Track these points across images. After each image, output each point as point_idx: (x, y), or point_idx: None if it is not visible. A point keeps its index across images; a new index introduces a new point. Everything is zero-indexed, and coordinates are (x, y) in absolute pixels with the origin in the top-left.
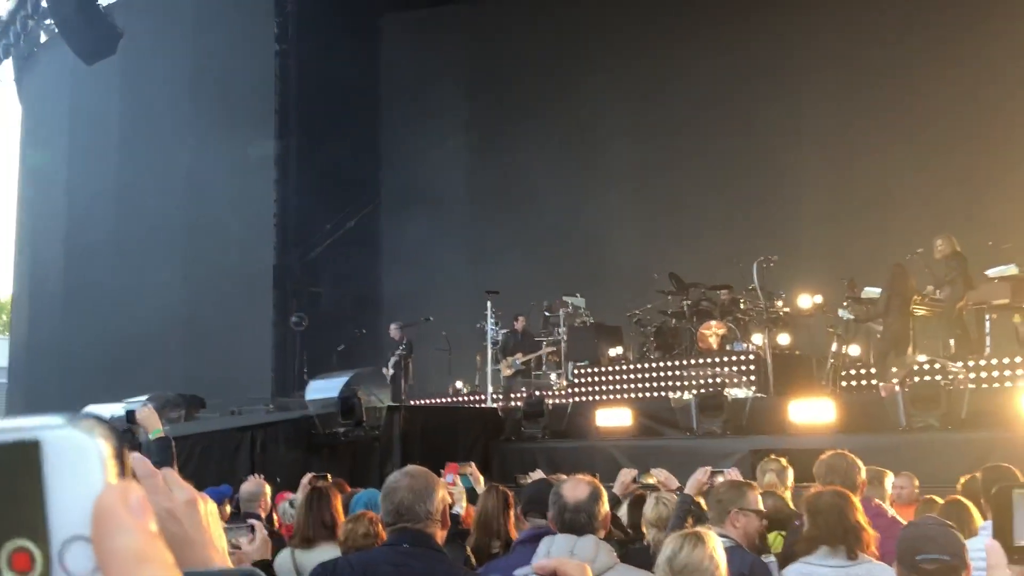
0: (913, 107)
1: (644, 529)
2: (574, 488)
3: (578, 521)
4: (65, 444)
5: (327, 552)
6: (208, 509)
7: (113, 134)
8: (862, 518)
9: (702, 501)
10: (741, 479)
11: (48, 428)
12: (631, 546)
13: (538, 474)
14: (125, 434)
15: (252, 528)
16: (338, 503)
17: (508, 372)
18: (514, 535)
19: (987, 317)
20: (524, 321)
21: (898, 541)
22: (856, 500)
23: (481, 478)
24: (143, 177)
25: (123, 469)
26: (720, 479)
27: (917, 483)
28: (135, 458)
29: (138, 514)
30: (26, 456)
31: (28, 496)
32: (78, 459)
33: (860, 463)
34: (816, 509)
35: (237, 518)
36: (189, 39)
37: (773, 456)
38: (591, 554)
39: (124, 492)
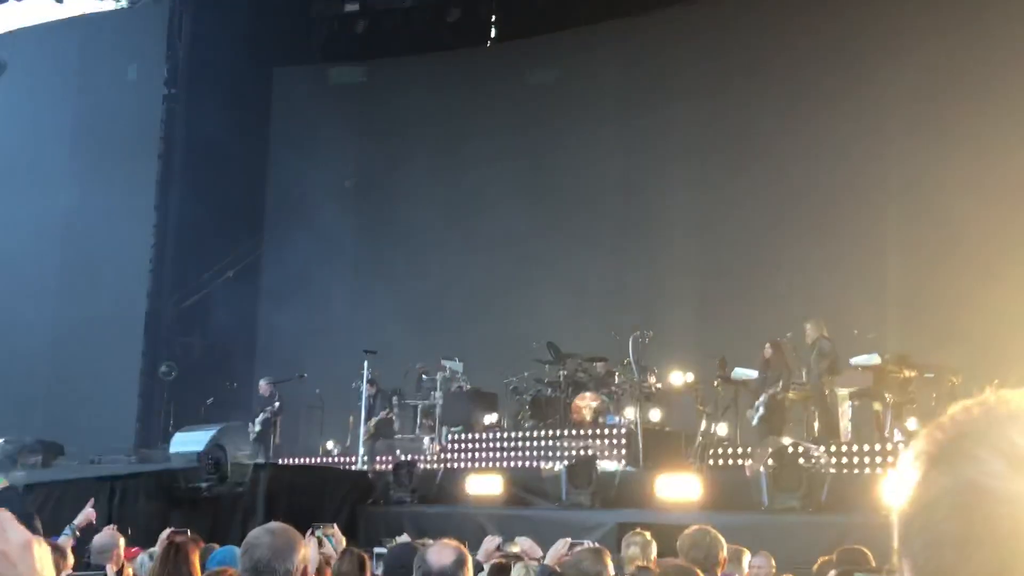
0: (783, 194)
1: None
2: (439, 553)
3: None
4: None
5: None
6: (42, 553)
7: None
8: None
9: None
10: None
11: None
12: None
13: (404, 539)
14: None
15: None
16: (195, 559)
17: (361, 434)
18: None
19: (850, 403)
20: (373, 385)
21: None
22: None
23: (343, 540)
24: (17, 214)
25: None
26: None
27: (774, 563)
28: None
29: None
30: None
31: None
32: None
33: (723, 539)
34: None
35: (87, 569)
36: (75, 77)
37: (638, 530)
38: None
39: None
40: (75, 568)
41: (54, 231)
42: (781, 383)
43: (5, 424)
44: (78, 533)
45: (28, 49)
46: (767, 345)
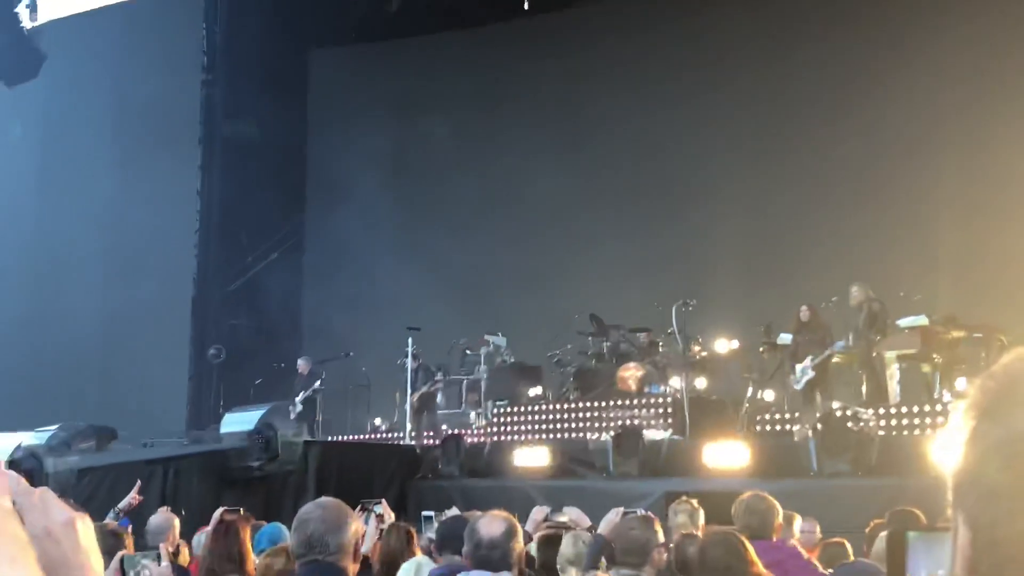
0: (827, 158)
1: (559, 567)
2: (489, 524)
3: (492, 558)
4: None
5: None
6: (86, 531)
7: (33, 158)
8: (751, 564)
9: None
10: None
11: None
12: None
13: (454, 511)
14: (30, 461)
15: (159, 556)
16: (247, 536)
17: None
18: None
19: (898, 366)
20: (420, 358)
21: None
22: (747, 544)
23: (392, 515)
24: (62, 202)
25: None
26: None
27: (819, 528)
28: (9, 475)
29: None
30: None
31: None
32: None
33: (778, 505)
34: (704, 561)
35: (144, 550)
36: (114, 65)
37: (685, 498)
38: None
39: None
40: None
41: (98, 219)
42: (830, 346)
43: (59, 411)
44: (122, 515)
45: (67, 38)
46: (804, 308)
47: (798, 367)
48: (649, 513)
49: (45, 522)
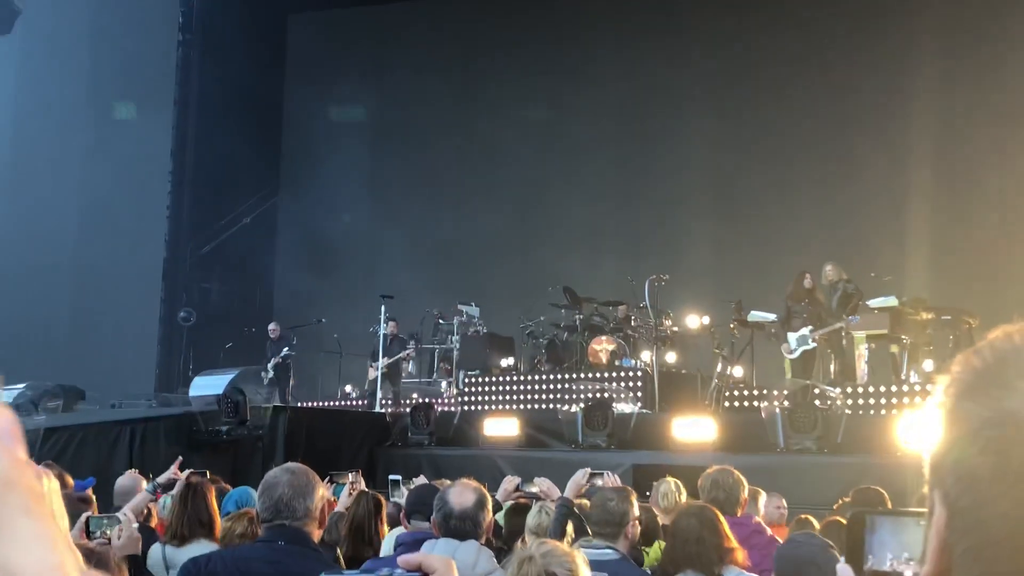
0: (799, 136)
1: (525, 537)
2: (460, 494)
3: (463, 528)
4: None
5: (201, 549)
6: (51, 487)
7: (7, 113)
8: (724, 538)
9: (585, 503)
10: (620, 484)
11: None
12: (506, 554)
13: (421, 480)
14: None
15: (121, 520)
16: (212, 499)
17: (372, 375)
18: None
19: (866, 346)
20: (395, 326)
21: (778, 559)
22: (721, 518)
23: (363, 485)
24: (35, 160)
25: None
26: (599, 482)
27: (785, 504)
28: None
29: (7, 441)
30: None
31: None
32: None
33: (744, 480)
34: (676, 531)
35: (109, 511)
36: (90, 22)
37: (668, 477)
38: (472, 559)
39: None
40: (99, 511)
41: (72, 177)
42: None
43: (27, 370)
44: (160, 490)
45: None
46: (807, 275)
47: (793, 335)
48: (627, 487)
49: None
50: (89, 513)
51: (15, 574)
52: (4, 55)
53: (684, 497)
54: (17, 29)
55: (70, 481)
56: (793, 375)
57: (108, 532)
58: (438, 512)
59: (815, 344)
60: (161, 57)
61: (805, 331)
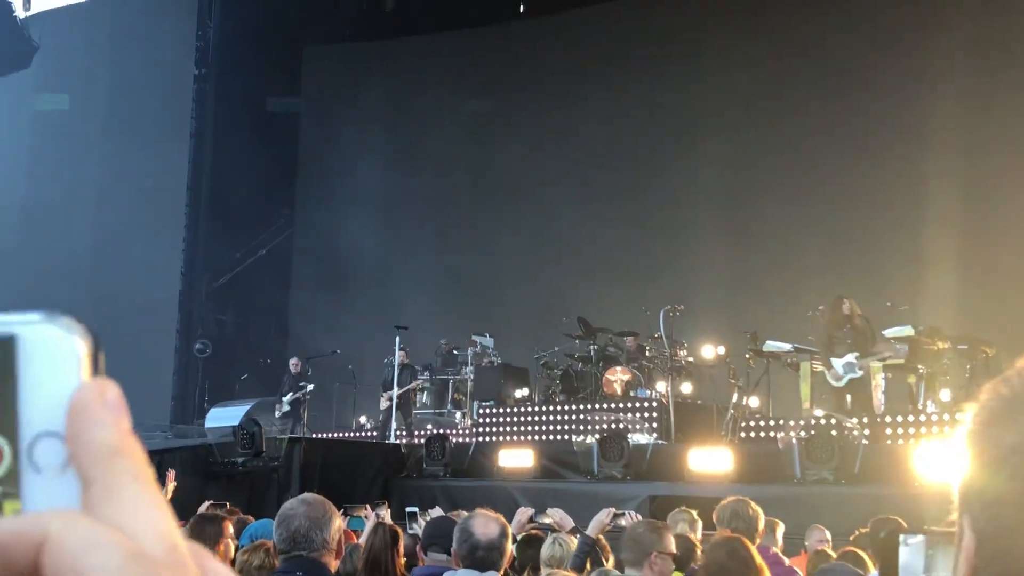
0: (815, 166)
1: (540, 570)
2: (485, 525)
3: (489, 560)
4: (42, 340)
5: None
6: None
7: (23, 148)
8: (762, 563)
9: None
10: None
11: (25, 323)
12: None
13: (437, 511)
14: None
15: None
16: (228, 531)
17: (384, 405)
18: (401, 572)
19: (883, 376)
20: (404, 355)
21: None
22: (754, 550)
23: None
24: (52, 193)
25: (97, 368)
26: (623, 521)
27: (829, 536)
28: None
29: (115, 410)
30: (1, 352)
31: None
32: (54, 355)
33: (761, 511)
34: (712, 560)
35: None
36: (106, 57)
37: (684, 508)
38: None
39: (101, 389)
40: None
41: (88, 210)
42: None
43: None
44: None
45: (61, 29)
46: (845, 301)
47: (839, 361)
48: (662, 522)
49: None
50: None
51: (128, 535)
52: (22, 90)
53: (699, 530)
54: (35, 64)
55: None
56: (835, 405)
57: None
58: (463, 544)
59: (862, 372)
60: (177, 91)
61: (851, 358)
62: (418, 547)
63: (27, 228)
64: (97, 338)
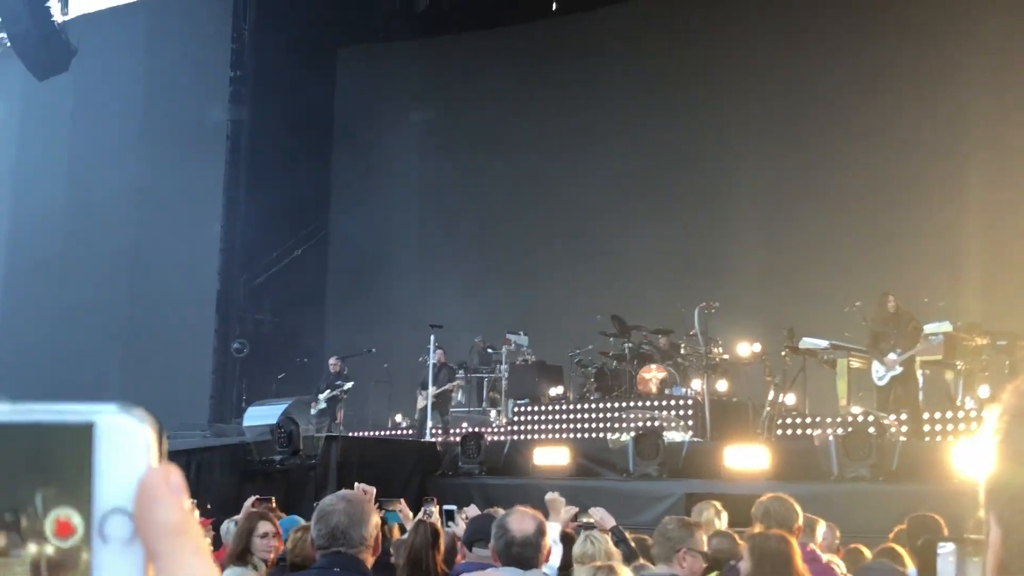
0: (851, 162)
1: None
2: (521, 521)
3: (524, 555)
4: (117, 428)
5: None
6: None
7: (62, 151)
8: (802, 565)
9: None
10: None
11: (103, 412)
12: None
13: (473, 509)
14: None
15: None
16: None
17: (420, 404)
18: (441, 570)
19: (921, 372)
20: (443, 354)
21: None
22: (797, 546)
23: (411, 515)
24: (92, 195)
25: (162, 453)
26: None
27: (839, 534)
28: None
29: (177, 492)
30: (80, 436)
31: (78, 472)
32: (127, 442)
33: (798, 508)
34: (762, 553)
35: None
36: (143, 60)
37: (709, 500)
38: None
39: (167, 473)
40: None
41: (127, 212)
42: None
43: (83, 400)
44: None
45: (98, 33)
46: (890, 298)
47: (881, 359)
48: (695, 520)
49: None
50: None
51: None
52: (60, 93)
53: (725, 521)
54: (73, 67)
55: None
56: (878, 403)
57: None
58: (499, 540)
59: (901, 369)
60: (213, 92)
61: (893, 356)
62: (459, 543)
63: (68, 230)
64: (162, 427)
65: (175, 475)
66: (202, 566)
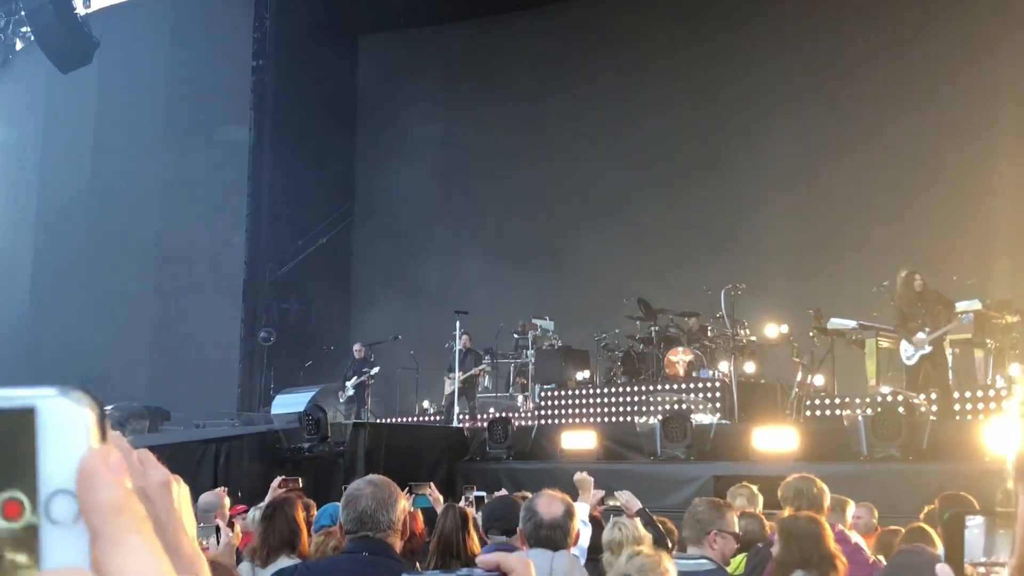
0: (877, 143)
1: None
2: (550, 504)
3: (553, 538)
4: (57, 412)
5: (286, 564)
6: (181, 492)
7: (87, 143)
8: (834, 545)
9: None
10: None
11: (43, 397)
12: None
13: (502, 493)
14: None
15: (217, 529)
16: (299, 513)
17: (448, 389)
18: (472, 554)
19: (950, 351)
20: (468, 340)
21: (895, 567)
22: (827, 527)
23: (440, 499)
24: (116, 188)
25: (103, 435)
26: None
27: (876, 514)
28: (113, 434)
29: (116, 472)
30: (23, 421)
31: (22, 455)
32: (67, 425)
33: (826, 489)
34: (791, 534)
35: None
36: (165, 51)
37: (745, 483)
38: (567, 570)
39: (105, 454)
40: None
41: (152, 202)
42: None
43: (113, 392)
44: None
45: (121, 25)
46: (917, 276)
47: (909, 339)
48: (724, 501)
49: (141, 482)
50: None
51: None
52: (84, 85)
53: (760, 505)
54: (96, 60)
55: None
56: (908, 383)
57: (205, 542)
58: (528, 522)
59: (931, 348)
60: (236, 82)
61: (922, 335)
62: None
63: (92, 221)
64: (103, 408)
65: (115, 455)
66: (141, 544)
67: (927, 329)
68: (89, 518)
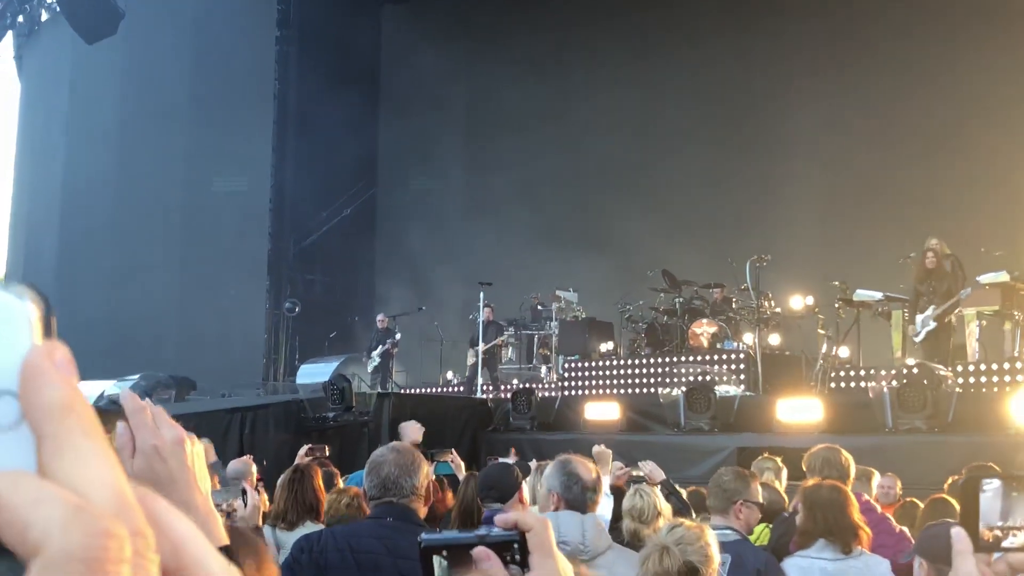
0: (904, 114)
1: (623, 519)
2: (586, 468)
3: (591, 500)
4: None
5: (308, 531)
6: (195, 450)
7: (112, 114)
8: (858, 514)
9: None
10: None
11: None
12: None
13: (511, 459)
14: (112, 409)
15: (244, 492)
16: (319, 482)
17: (471, 360)
18: None
19: (977, 323)
20: (491, 312)
21: (927, 539)
22: (852, 496)
23: (463, 465)
24: (141, 158)
25: (49, 332)
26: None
27: (900, 485)
28: (125, 392)
29: (63, 370)
30: None
31: None
32: (7, 320)
33: (852, 459)
34: (815, 503)
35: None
36: (190, 22)
37: (768, 455)
38: (595, 533)
39: (50, 350)
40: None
41: (176, 174)
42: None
43: (140, 362)
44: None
45: None
46: (930, 254)
47: (919, 317)
48: (749, 471)
49: (154, 439)
50: (214, 489)
51: (77, 490)
52: (109, 56)
53: (784, 478)
54: (121, 30)
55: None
56: (925, 355)
57: (233, 502)
58: (570, 488)
59: (936, 324)
60: (259, 53)
61: (929, 311)
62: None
63: (119, 193)
64: (48, 303)
65: (61, 352)
66: (90, 447)
67: (933, 306)
68: (33, 419)
